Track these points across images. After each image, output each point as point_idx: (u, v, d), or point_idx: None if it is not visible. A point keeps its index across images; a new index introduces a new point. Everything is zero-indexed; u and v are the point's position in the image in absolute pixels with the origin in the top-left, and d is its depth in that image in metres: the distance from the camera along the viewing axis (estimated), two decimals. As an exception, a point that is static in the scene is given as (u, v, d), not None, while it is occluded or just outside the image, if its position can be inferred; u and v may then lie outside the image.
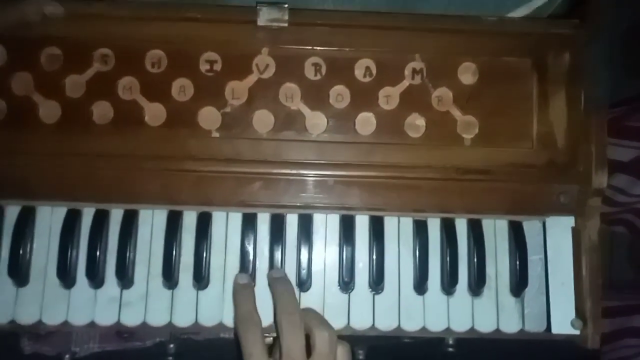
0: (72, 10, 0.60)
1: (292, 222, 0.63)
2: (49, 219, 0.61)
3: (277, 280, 0.59)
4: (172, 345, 0.65)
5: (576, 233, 0.64)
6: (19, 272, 0.59)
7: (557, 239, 0.64)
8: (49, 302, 0.60)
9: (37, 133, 0.60)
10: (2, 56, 0.61)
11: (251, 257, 0.61)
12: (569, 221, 0.64)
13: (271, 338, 0.62)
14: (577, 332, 0.62)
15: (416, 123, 0.63)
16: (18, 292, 0.60)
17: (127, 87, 0.61)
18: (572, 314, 0.63)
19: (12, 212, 0.61)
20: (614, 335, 0.91)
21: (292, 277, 0.62)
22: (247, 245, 0.62)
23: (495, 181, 0.62)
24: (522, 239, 0.63)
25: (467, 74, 0.64)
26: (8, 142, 0.60)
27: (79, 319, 0.60)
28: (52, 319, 0.60)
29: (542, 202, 0.63)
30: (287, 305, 0.56)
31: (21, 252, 0.60)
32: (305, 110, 0.62)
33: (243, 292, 0.58)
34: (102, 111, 0.61)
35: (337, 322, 0.61)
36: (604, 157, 0.62)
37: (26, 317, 0.60)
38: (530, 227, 0.64)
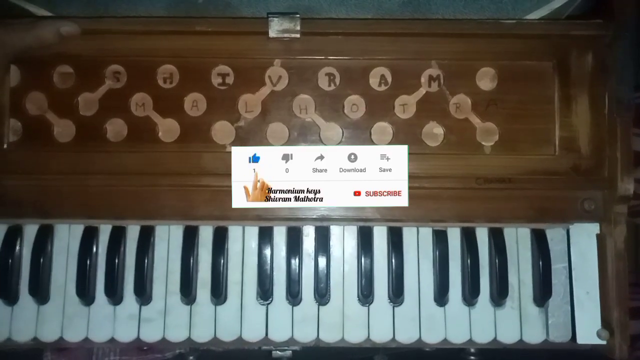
0: (85, 26, 0.60)
1: (309, 234, 0.62)
2: (67, 237, 0.62)
3: None
4: (191, 357, 0.65)
5: (601, 240, 0.62)
6: (39, 290, 0.60)
7: (581, 247, 0.62)
8: (70, 319, 0.61)
9: (53, 152, 0.60)
10: (15, 76, 0.61)
11: (268, 271, 0.61)
12: (593, 228, 0.62)
13: (290, 351, 0.62)
14: (604, 342, 0.61)
15: (434, 132, 0.61)
16: (39, 310, 0.61)
17: (140, 103, 0.61)
18: (597, 323, 0.61)
19: (31, 230, 0.61)
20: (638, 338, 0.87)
21: (310, 291, 0.61)
22: (264, 259, 0.61)
23: (516, 189, 0.61)
24: (545, 247, 0.61)
25: (486, 79, 0.62)
26: (24, 162, 0.60)
27: (99, 336, 0.60)
28: (73, 336, 0.60)
29: (565, 209, 0.61)
30: None
31: (41, 270, 0.60)
32: (320, 121, 0.61)
33: None
34: (115, 128, 0.61)
35: (357, 336, 0.61)
36: (629, 161, 0.60)
37: (48, 335, 0.60)
38: (554, 234, 0.62)
